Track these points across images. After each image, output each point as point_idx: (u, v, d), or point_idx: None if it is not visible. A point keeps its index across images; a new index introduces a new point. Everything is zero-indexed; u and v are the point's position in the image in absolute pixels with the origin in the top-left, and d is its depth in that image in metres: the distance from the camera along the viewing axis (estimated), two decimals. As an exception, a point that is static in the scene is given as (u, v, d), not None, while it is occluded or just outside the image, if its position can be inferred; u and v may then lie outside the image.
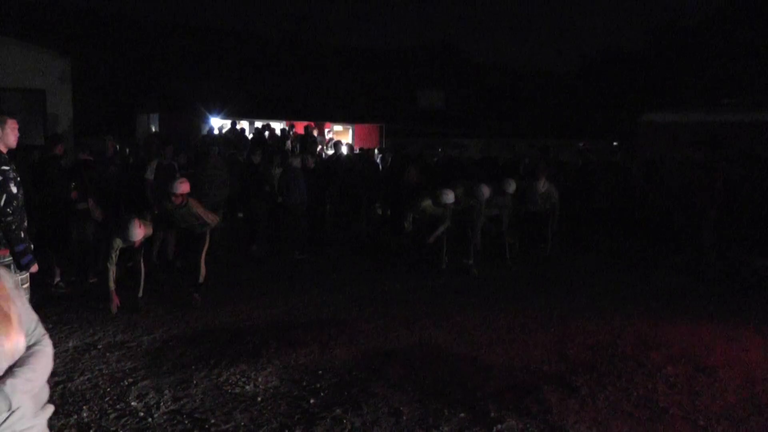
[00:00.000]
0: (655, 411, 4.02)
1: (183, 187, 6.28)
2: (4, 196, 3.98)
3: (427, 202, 7.85)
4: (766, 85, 23.62)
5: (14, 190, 4.05)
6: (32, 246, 4.24)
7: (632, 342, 5.38)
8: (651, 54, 31.19)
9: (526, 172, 10.45)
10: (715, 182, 8.32)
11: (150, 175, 8.34)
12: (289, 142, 15.64)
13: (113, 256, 5.89)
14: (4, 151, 4.12)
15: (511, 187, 8.37)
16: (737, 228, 9.02)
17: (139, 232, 5.90)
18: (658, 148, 14.35)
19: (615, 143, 21.77)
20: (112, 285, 5.91)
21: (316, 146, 15.85)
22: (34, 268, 4.21)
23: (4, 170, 4.00)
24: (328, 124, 20.12)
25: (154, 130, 19.18)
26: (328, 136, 19.12)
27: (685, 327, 5.84)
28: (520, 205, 8.82)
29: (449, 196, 7.72)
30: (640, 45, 34.72)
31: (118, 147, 10.61)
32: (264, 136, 15.86)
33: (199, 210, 6.41)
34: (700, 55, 28.38)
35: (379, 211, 11.49)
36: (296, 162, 9.47)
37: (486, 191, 8.05)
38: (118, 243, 5.90)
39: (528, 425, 3.78)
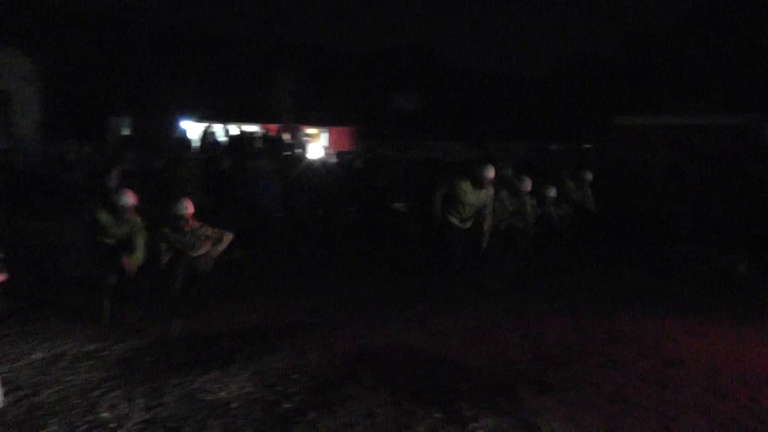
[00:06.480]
0: (626, 405, 4.09)
1: (190, 207, 5.79)
2: None
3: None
4: (733, 89, 24.24)
5: None
6: (3, 255, 4.14)
7: (604, 339, 5.46)
8: (623, 59, 31.72)
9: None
10: (686, 182, 8.52)
11: (113, 182, 7.83)
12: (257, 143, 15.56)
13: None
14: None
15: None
16: (703, 226, 9.23)
17: None
18: (630, 151, 14.56)
19: (587, 146, 22.11)
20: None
21: (283, 150, 15.77)
22: (2, 276, 4.12)
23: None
24: (301, 126, 20.04)
25: (125, 133, 18.91)
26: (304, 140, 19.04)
27: (654, 323, 5.96)
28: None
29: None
30: (613, 50, 35.35)
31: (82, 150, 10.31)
32: (240, 142, 15.74)
33: (206, 231, 6.02)
34: (671, 59, 28.95)
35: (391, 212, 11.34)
36: (263, 164, 9.39)
37: None
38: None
39: (502, 423, 3.81)
